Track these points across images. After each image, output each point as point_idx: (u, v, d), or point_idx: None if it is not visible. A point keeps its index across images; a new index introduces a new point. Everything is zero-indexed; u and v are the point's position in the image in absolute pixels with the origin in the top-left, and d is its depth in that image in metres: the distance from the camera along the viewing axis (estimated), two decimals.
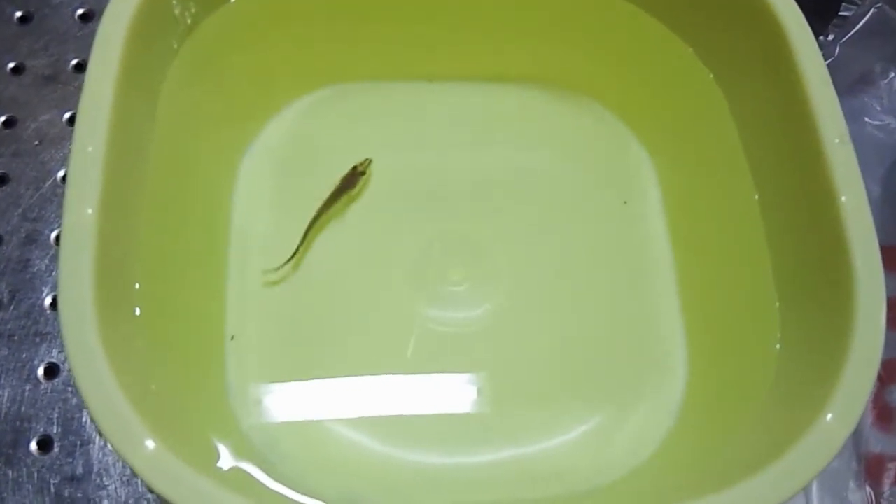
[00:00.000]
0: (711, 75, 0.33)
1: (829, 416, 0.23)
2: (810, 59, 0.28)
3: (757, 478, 0.23)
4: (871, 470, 0.35)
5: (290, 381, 0.32)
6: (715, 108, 0.33)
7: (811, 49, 0.28)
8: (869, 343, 0.24)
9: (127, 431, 0.21)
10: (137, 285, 0.26)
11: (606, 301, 0.35)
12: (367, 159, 0.36)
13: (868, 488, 0.35)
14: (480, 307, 0.34)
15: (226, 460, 0.26)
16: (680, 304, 0.34)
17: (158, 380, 0.25)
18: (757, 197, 0.31)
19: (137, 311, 0.26)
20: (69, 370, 0.34)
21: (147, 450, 0.21)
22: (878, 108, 0.43)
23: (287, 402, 0.32)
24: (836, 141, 0.27)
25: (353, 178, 0.36)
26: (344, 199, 0.36)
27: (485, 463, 0.32)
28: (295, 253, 0.34)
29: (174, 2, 0.29)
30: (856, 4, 0.43)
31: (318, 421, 0.31)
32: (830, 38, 0.43)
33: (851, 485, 0.35)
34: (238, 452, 0.27)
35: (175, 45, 0.30)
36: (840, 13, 0.43)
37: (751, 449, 0.26)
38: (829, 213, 0.26)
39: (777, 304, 0.29)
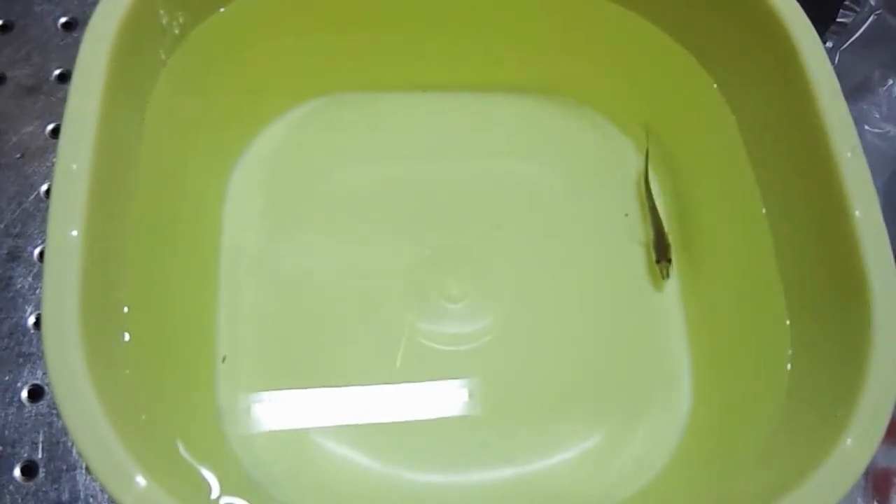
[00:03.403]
0: (715, 85, 0.32)
1: (850, 440, 0.23)
2: (820, 68, 0.27)
3: None
4: (879, 484, 0.35)
5: (282, 403, 0.31)
6: (719, 119, 0.32)
7: (820, 58, 0.27)
8: (888, 360, 0.24)
9: (117, 467, 0.20)
10: (126, 309, 0.25)
11: (608, 316, 0.34)
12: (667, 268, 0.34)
13: (876, 503, 0.34)
14: (480, 322, 0.33)
15: (218, 491, 0.25)
16: (685, 320, 0.34)
17: (147, 408, 0.24)
18: (764, 210, 0.30)
19: (126, 337, 0.25)
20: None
21: (138, 486, 0.20)
22: (878, 116, 0.43)
23: (279, 426, 0.31)
24: (849, 154, 0.26)
25: (663, 252, 0.34)
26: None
27: (483, 482, 0.31)
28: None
29: (162, 11, 0.28)
30: (854, 11, 0.42)
31: (312, 444, 0.31)
32: (829, 45, 0.42)
33: (859, 500, 0.34)
34: (231, 481, 0.26)
35: (163, 56, 0.29)
36: (839, 20, 0.42)
37: (763, 473, 0.25)
38: (842, 228, 0.26)
39: (787, 321, 0.28)
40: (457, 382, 0.32)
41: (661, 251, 0.34)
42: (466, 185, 0.36)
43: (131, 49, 0.26)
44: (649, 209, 0.35)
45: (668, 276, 0.34)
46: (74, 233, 0.22)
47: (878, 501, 0.34)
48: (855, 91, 0.43)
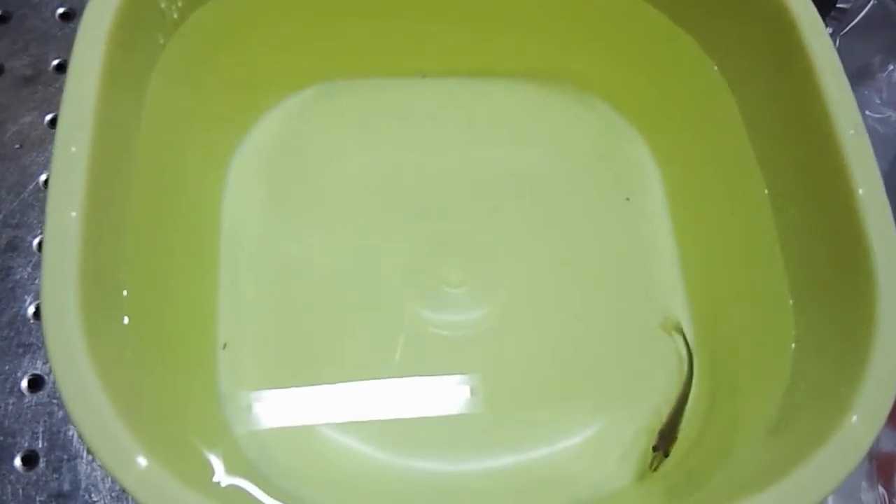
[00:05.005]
0: (716, 67, 0.32)
1: (855, 417, 0.22)
2: (821, 47, 0.27)
3: (782, 483, 0.22)
4: (883, 469, 0.34)
5: (284, 389, 0.31)
6: (720, 101, 0.32)
7: (822, 37, 0.27)
8: (893, 338, 0.23)
9: (118, 448, 0.20)
10: (125, 292, 0.25)
11: (609, 302, 0.34)
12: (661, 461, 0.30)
13: (880, 488, 0.34)
14: (480, 309, 0.33)
15: (220, 475, 0.25)
16: (687, 304, 0.33)
17: (149, 391, 0.24)
18: (766, 191, 0.30)
19: (126, 320, 0.24)
20: (54, 382, 0.33)
21: (139, 467, 0.20)
22: (878, 101, 0.43)
23: (281, 411, 0.31)
24: (851, 132, 0.26)
25: (666, 444, 0.30)
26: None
27: (485, 470, 0.31)
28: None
29: None
30: None
31: (313, 430, 0.30)
32: (829, 30, 0.42)
33: (864, 484, 0.34)
34: (232, 466, 0.26)
35: (161, 41, 0.29)
36: (838, 5, 0.42)
37: (769, 453, 0.25)
38: (845, 207, 0.25)
39: (791, 301, 0.28)
40: (458, 369, 0.32)
41: (666, 441, 0.30)
42: (467, 172, 0.36)
43: (130, 32, 0.26)
44: (679, 398, 0.32)
45: (656, 468, 0.30)
46: (74, 214, 0.22)
47: (882, 486, 0.34)
48: (855, 76, 0.43)
